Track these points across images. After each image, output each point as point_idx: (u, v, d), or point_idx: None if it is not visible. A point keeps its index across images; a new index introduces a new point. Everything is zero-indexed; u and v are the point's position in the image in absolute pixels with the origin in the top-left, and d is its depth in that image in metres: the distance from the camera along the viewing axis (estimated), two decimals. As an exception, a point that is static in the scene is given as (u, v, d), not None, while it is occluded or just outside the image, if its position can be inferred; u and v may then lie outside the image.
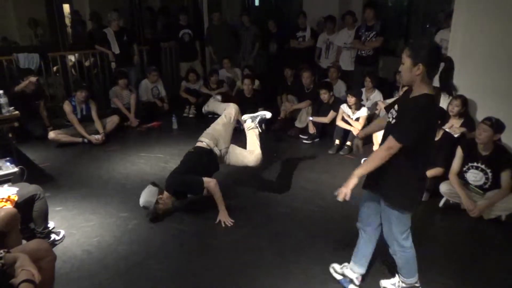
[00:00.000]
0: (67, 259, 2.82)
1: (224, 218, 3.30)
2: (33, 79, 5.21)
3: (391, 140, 2.00)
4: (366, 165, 2.10)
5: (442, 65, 1.99)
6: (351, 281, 2.53)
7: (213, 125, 3.73)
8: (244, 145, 3.72)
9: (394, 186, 2.13)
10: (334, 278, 2.62)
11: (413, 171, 2.09)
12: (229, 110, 3.75)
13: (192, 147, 3.61)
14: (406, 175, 2.10)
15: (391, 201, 2.16)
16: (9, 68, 6.07)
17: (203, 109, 4.78)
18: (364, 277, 2.57)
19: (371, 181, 2.23)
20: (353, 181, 2.10)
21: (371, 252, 2.50)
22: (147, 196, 3.26)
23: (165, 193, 3.34)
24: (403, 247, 2.26)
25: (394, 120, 2.10)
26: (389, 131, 2.09)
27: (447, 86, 2.03)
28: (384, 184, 2.16)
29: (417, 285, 2.38)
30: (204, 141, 3.57)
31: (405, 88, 5.06)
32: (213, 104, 4.18)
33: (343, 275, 2.58)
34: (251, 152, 3.62)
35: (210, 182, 3.29)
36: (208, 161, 3.49)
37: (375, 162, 2.08)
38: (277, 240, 3.07)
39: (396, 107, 2.16)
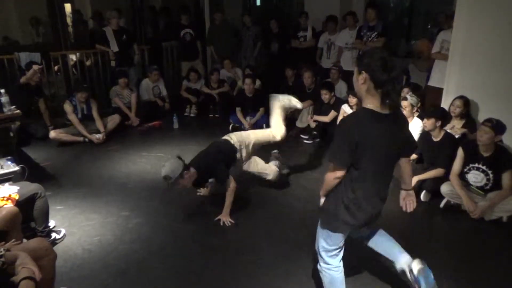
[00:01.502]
0: (68, 258, 2.83)
1: (225, 217, 3.30)
2: (36, 66, 5.21)
3: (329, 163, 1.93)
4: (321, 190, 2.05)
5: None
6: (411, 271, 2.22)
7: (251, 132, 3.83)
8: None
9: (326, 198, 2.03)
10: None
11: (343, 192, 1.93)
12: (278, 132, 3.79)
13: (221, 138, 3.60)
14: (336, 192, 1.96)
15: (318, 212, 2.10)
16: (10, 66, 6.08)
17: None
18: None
19: None
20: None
21: (392, 241, 2.34)
22: (172, 166, 3.13)
23: (192, 169, 3.23)
24: (328, 264, 2.13)
25: None
26: None
27: (390, 101, 1.78)
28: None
29: None
30: (233, 138, 3.55)
31: (406, 90, 5.14)
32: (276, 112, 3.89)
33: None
34: (270, 168, 3.75)
35: (233, 183, 3.30)
36: (229, 157, 3.46)
37: (324, 186, 2.00)
38: (278, 239, 3.07)
39: None
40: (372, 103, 1.81)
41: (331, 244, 2.08)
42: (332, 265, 2.13)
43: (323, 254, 2.13)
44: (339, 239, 2.07)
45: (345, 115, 5.01)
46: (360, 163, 1.85)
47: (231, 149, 3.49)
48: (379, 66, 1.75)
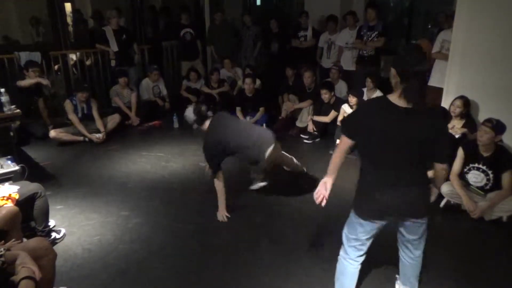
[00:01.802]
0: (68, 258, 2.83)
1: (221, 212, 3.36)
2: (44, 81, 5.26)
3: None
4: None
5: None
6: None
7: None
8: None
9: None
10: (334, 278, 2.61)
11: (362, 175, 2.12)
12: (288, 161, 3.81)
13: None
14: (359, 177, 2.15)
15: None
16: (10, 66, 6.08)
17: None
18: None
19: None
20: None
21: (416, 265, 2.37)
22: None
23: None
24: (345, 254, 2.20)
25: None
26: None
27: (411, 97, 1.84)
28: None
29: None
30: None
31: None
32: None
33: None
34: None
35: (220, 179, 3.32)
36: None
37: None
38: (278, 239, 3.07)
39: None
40: (394, 95, 1.90)
41: (351, 232, 2.14)
42: (348, 255, 2.18)
43: (344, 240, 2.20)
44: (357, 229, 2.10)
45: (345, 115, 5.02)
46: (368, 148, 1.99)
47: (258, 157, 3.29)
48: (404, 63, 1.86)
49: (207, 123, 3.25)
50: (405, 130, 1.87)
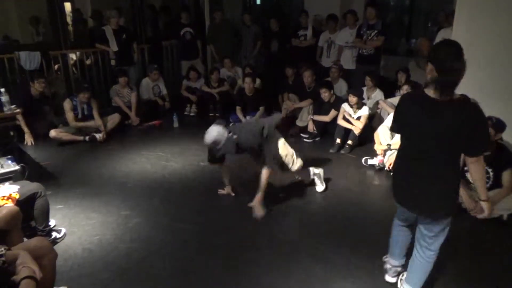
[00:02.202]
0: (68, 257, 2.83)
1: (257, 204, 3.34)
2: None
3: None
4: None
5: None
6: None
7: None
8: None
9: None
10: (335, 277, 2.62)
11: (398, 162, 2.22)
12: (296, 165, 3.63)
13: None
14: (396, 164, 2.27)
15: None
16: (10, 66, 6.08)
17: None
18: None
19: None
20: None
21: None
22: (217, 130, 3.09)
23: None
24: (394, 219, 2.49)
25: None
26: None
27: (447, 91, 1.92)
28: None
29: None
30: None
31: (405, 87, 5.14)
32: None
33: None
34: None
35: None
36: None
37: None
38: (278, 238, 3.07)
39: None
40: (431, 89, 1.97)
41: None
42: (395, 220, 2.45)
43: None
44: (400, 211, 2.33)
45: (345, 114, 5.02)
46: (406, 139, 2.12)
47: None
48: (441, 58, 1.92)
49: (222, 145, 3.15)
50: (439, 122, 1.93)
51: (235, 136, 3.13)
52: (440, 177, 2.02)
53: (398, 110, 2.16)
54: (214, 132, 3.07)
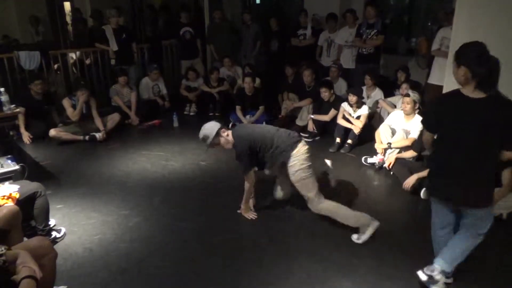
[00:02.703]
0: (68, 257, 2.83)
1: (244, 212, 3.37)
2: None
3: None
4: None
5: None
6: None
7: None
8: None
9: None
10: (335, 276, 2.62)
11: (435, 159, 2.36)
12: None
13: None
14: (431, 162, 2.45)
15: None
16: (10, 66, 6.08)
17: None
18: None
19: None
20: None
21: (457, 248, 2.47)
22: (209, 126, 3.13)
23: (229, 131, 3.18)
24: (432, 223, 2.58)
25: None
26: None
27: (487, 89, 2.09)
28: None
29: None
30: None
31: (404, 85, 5.14)
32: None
33: None
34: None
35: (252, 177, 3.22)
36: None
37: None
38: (278, 238, 3.07)
39: None
40: (466, 88, 2.13)
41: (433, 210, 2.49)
42: (437, 231, 2.53)
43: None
44: (433, 208, 2.46)
45: (345, 113, 5.02)
46: (444, 137, 2.23)
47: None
48: (475, 60, 2.08)
49: (221, 139, 3.13)
50: (477, 119, 2.09)
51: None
52: (483, 170, 2.18)
53: (437, 110, 2.27)
54: (205, 129, 3.12)
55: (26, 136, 5.13)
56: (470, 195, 2.22)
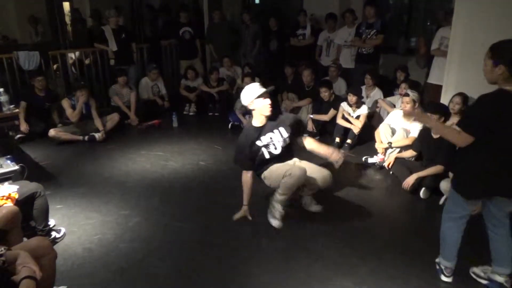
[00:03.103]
0: (68, 257, 2.83)
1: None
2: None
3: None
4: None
5: None
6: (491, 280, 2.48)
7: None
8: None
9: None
10: (334, 276, 2.62)
11: (476, 160, 2.23)
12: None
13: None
14: (471, 163, 2.26)
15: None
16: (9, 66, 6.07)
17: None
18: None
19: None
20: None
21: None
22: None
23: None
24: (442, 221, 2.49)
25: None
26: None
27: None
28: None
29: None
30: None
31: (403, 85, 5.14)
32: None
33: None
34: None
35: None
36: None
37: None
38: (277, 237, 3.07)
39: None
40: (510, 86, 2.06)
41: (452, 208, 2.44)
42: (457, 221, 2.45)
43: (444, 214, 2.49)
44: (459, 206, 2.38)
45: (344, 113, 5.02)
46: (492, 138, 2.11)
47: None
48: None
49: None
50: None
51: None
52: None
53: (485, 113, 2.11)
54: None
55: (24, 125, 5.09)
56: None
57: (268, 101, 3.08)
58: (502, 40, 2.15)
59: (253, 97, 3.04)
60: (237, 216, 3.26)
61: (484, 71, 2.15)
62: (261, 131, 3.15)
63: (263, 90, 3.06)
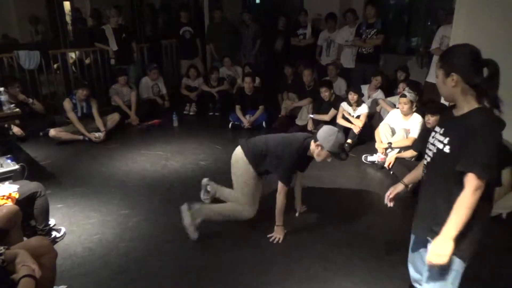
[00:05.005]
0: (68, 256, 2.83)
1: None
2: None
3: (473, 180, 1.56)
4: (457, 222, 1.60)
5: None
6: None
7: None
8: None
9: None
10: (334, 276, 2.62)
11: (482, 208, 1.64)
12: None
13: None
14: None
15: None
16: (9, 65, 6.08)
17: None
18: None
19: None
20: (450, 246, 1.63)
21: None
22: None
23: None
24: None
25: (449, 148, 1.68)
26: (444, 162, 1.70)
27: (492, 99, 1.63)
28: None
29: None
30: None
31: (401, 85, 5.13)
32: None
33: None
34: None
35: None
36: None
37: (467, 213, 1.59)
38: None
39: (440, 129, 1.77)
40: (476, 102, 1.66)
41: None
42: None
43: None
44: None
45: (344, 113, 5.02)
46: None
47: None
48: (470, 64, 1.64)
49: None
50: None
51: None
52: None
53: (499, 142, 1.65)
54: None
55: (18, 131, 4.98)
56: None
57: (329, 159, 2.88)
58: (454, 45, 1.84)
59: (327, 148, 2.78)
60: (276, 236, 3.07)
61: (437, 87, 1.76)
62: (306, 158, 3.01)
63: (337, 151, 2.80)
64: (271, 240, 3.02)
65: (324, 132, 2.80)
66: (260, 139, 3.13)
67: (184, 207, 3.06)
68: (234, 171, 3.14)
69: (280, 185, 2.93)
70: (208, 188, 3.43)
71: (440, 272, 1.75)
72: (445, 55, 1.71)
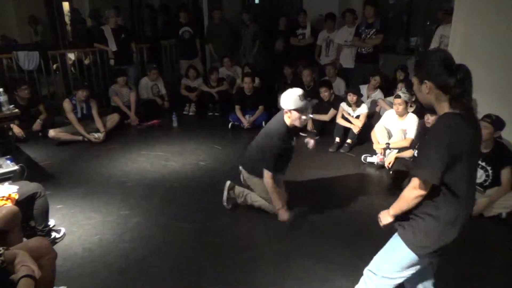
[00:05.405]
0: (68, 257, 2.83)
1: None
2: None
3: (413, 179, 1.66)
4: (395, 207, 1.84)
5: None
6: None
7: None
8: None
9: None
10: (334, 276, 2.62)
11: (430, 207, 1.72)
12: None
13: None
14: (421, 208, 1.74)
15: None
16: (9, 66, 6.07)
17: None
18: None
19: None
20: (388, 218, 1.95)
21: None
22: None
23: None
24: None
25: (416, 152, 1.80)
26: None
27: (465, 103, 1.66)
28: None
29: None
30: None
31: (399, 85, 5.12)
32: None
33: None
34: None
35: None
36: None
37: (402, 204, 1.77)
38: (277, 237, 3.08)
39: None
40: (449, 107, 1.66)
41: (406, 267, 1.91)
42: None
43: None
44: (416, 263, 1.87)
45: (344, 113, 5.02)
46: (452, 174, 1.62)
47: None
48: (442, 70, 1.64)
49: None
50: (477, 140, 1.76)
51: None
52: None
53: (447, 148, 1.59)
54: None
55: (18, 132, 5.01)
56: None
57: (305, 118, 3.03)
58: (427, 51, 1.88)
59: (292, 107, 2.95)
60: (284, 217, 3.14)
61: (414, 91, 1.79)
62: (292, 130, 3.15)
63: (304, 103, 2.93)
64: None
65: (283, 99, 3.00)
66: (251, 147, 3.31)
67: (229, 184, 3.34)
68: (252, 187, 3.36)
69: (264, 171, 3.07)
70: (232, 193, 3.46)
71: (389, 249, 2.03)
72: (418, 63, 1.74)
